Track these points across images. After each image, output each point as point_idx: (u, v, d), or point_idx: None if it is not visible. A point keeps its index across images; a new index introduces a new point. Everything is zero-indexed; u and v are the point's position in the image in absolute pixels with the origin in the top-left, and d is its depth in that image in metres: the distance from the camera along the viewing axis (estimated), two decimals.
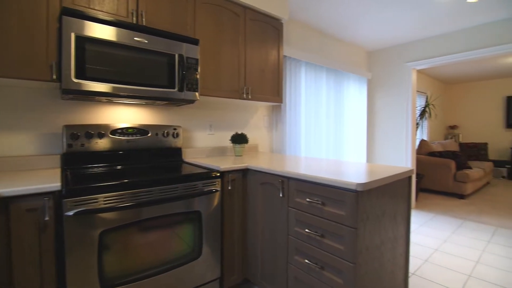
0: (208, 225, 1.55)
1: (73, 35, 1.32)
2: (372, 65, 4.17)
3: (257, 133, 2.71)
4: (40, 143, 1.57)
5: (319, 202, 1.25)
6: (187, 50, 1.71)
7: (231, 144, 2.44)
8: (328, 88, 3.38)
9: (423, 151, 4.80)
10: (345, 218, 1.14)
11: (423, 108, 4.23)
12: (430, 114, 4.22)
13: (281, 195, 1.46)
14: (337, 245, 1.18)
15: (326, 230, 1.22)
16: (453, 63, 3.45)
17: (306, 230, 1.31)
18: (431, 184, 4.53)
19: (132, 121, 1.91)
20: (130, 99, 1.65)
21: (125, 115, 1.88)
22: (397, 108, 3.87)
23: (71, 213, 1.10)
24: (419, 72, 5.66)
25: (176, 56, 1.67)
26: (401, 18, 2.92)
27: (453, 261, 2.21)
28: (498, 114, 6.40)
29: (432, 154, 4.64)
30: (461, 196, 4.25)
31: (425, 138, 6.15)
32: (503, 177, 5.97)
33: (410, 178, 1.51)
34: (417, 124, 4.25)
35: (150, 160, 1.87)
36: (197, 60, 1.76)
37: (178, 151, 2.00)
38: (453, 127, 6.95)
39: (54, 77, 1.34)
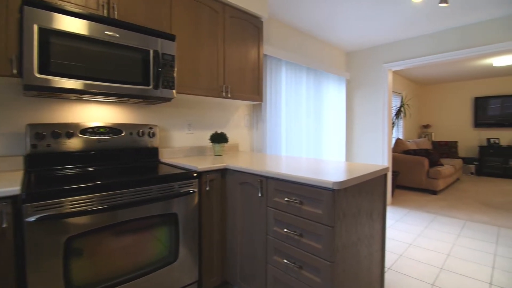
0: (185, 228, 1.50)
1: (35, 27, 1.22)
2: (351, 66, 4.27)
3: (237, 132, 2.68)
4: (0, 143, 1.45)
5: (297, 201, 1.25)
6: (162, 46, 1.65)
7: (211, 144, 2.39)
8: (308, 88, 3.41)
9: (399, 149, 4.99)
10: (322, 216, 1.14)
11: (398, 108, 4.38)
12: (405, 113, 4.39)
13: (259, 195, 1.45)
14: (315, 244, 1.18)
15: (304, 229, 1.22)
16: (426, 64, 3.59)
17: (285, 230, 1.30)
18: (406, 181, 4.72)
19: (105, 120, 1.82)
20: (101, 97, 1.57)
21: (96, 114, 1.78)
22: (374, 108, 3.98)
23: (32, 219, 1.02)
24: (395, 73, 5.87)
25: (151, 52, 1.60)
26: (378, 20, 3.00)
27: (426, 254, 2.30)
28: (467, 114, 6.78)
29: (407, 152, 4.83)
30: (434, 192, 4.46)
31: (400, 137, 6.39)
32: (472, 173, 6.33)
33: (385, 176, 1.55)
34: (393, 123, 4.40)
35: (124, 161, 1.79)
36: (173, 56, 1.70)
37: (154, 151, 1.93)
38: (426, 126, 7.28)
39: (15, 71, 1.24)
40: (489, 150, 6.06)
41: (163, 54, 1.65)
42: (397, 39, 3.71)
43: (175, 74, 1.71)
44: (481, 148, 6.18)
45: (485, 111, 6.39)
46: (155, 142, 1.93)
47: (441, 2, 2.06)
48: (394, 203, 3.95)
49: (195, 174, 1.55)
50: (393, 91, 5.93)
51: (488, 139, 6.23)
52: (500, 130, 6.27)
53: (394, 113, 4.43)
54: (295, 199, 1.26)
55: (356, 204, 1.27)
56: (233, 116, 2.64)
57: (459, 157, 6.44)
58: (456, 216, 3.33)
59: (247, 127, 2.77)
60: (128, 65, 1.52)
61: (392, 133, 4.16)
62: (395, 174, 4.24)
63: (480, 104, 6.44)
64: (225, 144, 2.38)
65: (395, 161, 4.82)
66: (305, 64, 3.27)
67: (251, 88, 2.34)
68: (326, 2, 2.58)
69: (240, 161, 1.82)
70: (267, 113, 2.82)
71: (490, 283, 1.86)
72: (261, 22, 2.40)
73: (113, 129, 1.75)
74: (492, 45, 2.98)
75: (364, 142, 4.11)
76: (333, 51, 3.95)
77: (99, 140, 1.69)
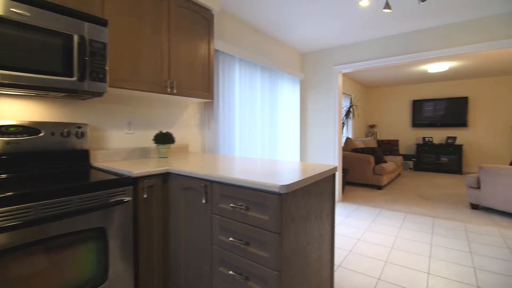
0: (116, 242, 1.30)
1: None
2: (305, 67, 4.35)
3: (187, 132, 2.50)
4: None
5: (243, 207, 1.15)
6: (91, 31, 1.42)
7: (155, 145, 2.18)
8: (263, 87, 3.36)
9: (348, 148, 5.26)
10: (269, 223, 1.06)
11: (348, 109, 4.60)
12: (353, 114, 4.62)
13: (204, 201, 1.32)
14: (262, 252, 1.09)
15: (251, 237, 1.13)
16: (373, 68, 3.81)
17: (231, 239, 1.20)
18: (355, 178, 4.99)
19: (18, 117, 1.51)
20: (9, 89, 1.28)
21: (8, 110, 1.47)
22: (326, 108, 4.11)
23: None
24: (345, 75, 6.19)
25: (75, 37, 1.36)
26: (329, 23, 3.07)
27: (373, 249, 2.40)
28: (406, 115, 7.46)
29: (355, 150, 5.11)
30: (379, 187, 4.78)
31: (350, 136, 6.77)
32: (410, 168, 6.99)
33: (334, 175, 1.54)
34: (343, 123, 4.61)
35: (45, 166, 1.51)
36: (105, 44, 1.47)
37: (83, 154, 1.67)
38: (372, 126, 7.85)
39: None
40: (425, 147, 6.76)
41: (91, 41, 1.42)
42: (347, 43, 3.87)
43: (107, 65, 1.48)
44: (418, 145, 6.86)
45: (421, 112, 7.10)
46: (84, 143, 1.67)
47: (385, 8, 2.15)
48: (345, 199, 4.13)
49: (129, 180, 1.35)
50: (344, 93, 6.25)
51: (424, 138, 6.94)
52: (433, 129, 7.03)
53: (344, 114, 4.65)
54: (241, 205, 1.16)
55: (306, 206, 1.22)
56: (183, 115, 2.46)
57: (400, 154, 7.05)
58: (398, 209, 3.60)
59: (198, 126, 2.60)
60: (45, 52, 1.27)
61: (342, 132, 4.34)
62: (345, 171, 4.45)
63: (417, 106, 7.15)
64: (171, 145, 2.19)
65: (345, 159, 5.06)
66: (260, 63, 3.21)
67: (201, 85, 2.19)
68: (278, 1, 2.55)
69: (187, 163, 1.67)
70: (220, 112, 2.69)
71: (428, 273, 2.00)
72: (212, 15, 2.26)
73: (28, 129, 1.46)
74: (429, 52, 3.27)
75: (317, 141, 4.22)
76: (288, 52, 3.97)
77: (8, 142, 1.39)
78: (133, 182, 1.38)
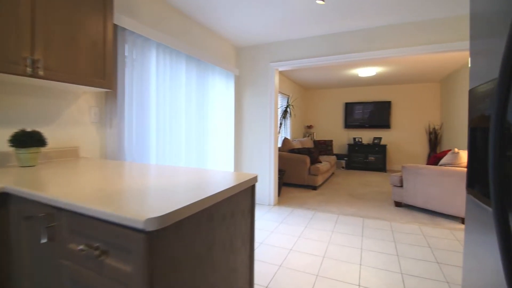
0: None
1: None
2: (240, 62, 4.04)
3: (78, 131, 1.92)
4: None
5: (98, 251, 0.73)
6: None
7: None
8: (189, 80, 2.92)
9: (286, 148, 5.16)
10: (131, 278, 0.67)
11: (285, 108, 4.47)
12: (290, 114, 4.51)
13: (45, 239, 0.85)
14: None
15: None
16: (308, 67, 3.71)
17: None
18: (292, 178, 4.91)
19: None
20: None
21: None
22: (262, 107, 3.88)
23: None
24: (283, 75, 6.12)
25: None
26: (264, 17, 2.80)
27: (304, 260, 2.20)
28: (339, 117, 7.84)
29: (292, 151, 5.04)
30: (314, 188, 4.79)
31: (288, 136, 6.77)
32: (343, 167, 7.35)
33: (253, 187, 1.22)
34: (280, 123, 4.46)
35: None
36: None
37: None
38: (309, 127, 8.05)
39: None
40: (355, 147, 7.17)
41: None
42: (283, 39, 3.69)
43: None
44: (349, 145, 7.24)
45: (352, 114, 7.53)
46: None
47: None
48: (281, 202, 3.97)
49: None
50: (282, 92, 6.18)
51: (354, 138, 7.37)
52: (362, 130, 7.53)
53: (281, 113, 4.51)
54: (96, 247, 0.74)
55: (205, 238, 0.86)
56: (70, 108, 1.87)
57: (333, 154, 7.35)
58: (331, 210, 3.56)
59: (95, 124, 2.03)
60: None
61: (279, 132, 4.17)
62: (281, 172, 4.30)
63: (349, 108, 7.56)
64: (41, 149, 1.59)
65: (282, 159, 4.94)
66: (186, 52, 2.76)
67: (91, 68, 1.65)
68: None
69: (49, 177, 1.15)
70: (126, 107, 2.16)
71: (359, 285, 1.86)
72: None
73: None
74: (357, 54, 3.28)
75: (252, 142, 3.96)
76: (222, 44, 3.60)
77: None
78: None
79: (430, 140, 6.66)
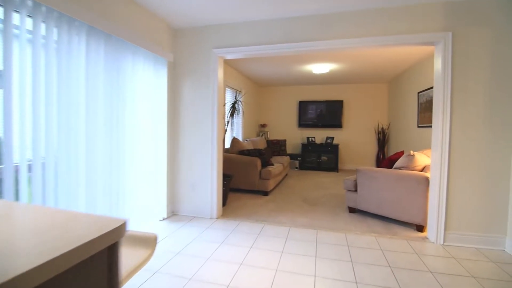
0: None
1: None
2: (178, 46, 3.35)
3: None
4: None
5: None
6: None
7: None
8: (93, 62, 2.16)
9: (235, 150, 4.62)
10: None
11: (232, 105, 3.92)
12: (239, 111, 3.98)
13: None
14: None
15: None
16: (256, 55, 3.19)
17: None
18: (242, 183, 4.39)
19: None
20: None
21: None
22: (204, 102, 3.26)
23: None
24: (234, 67, 5.56)
25: None
26: None
27: None
28: (293, 116, 7.58)
29: (242, 152, 4.52)
30: (265, 193, 4.33)
31: (240, 136, 6.24)
32: (296, 167, 7.09)
33: (115, 247, 0.63)
34: (228, 121, 3.90)
35: None
36: None
37: None
38: (263, 126, 7.64)
39: None
40: (308, 147, 6.95)
41: None
42: (229, 21, 3.11)
43: None
44: (303, 145, 7.01)
45: (306, 113, 7.32)
46: None
47: None
48: (226, 213, 3.41)
49: None
50: (232, 87, 5.61)
51: (308, 138, 7.16)
52: (315, 130, 7.37)
53: (229, 110, 3.94)
54: None
55: None
56: None
57: (287, 154, 7.05)
58: (282, 221, 3.12)
59: None
60: None
61: (226, 131, 3.60)
62: (228, 178, 3.74)
63: (302, 107, 7.33)
64: None
65: (230, 162, 4.39)
66: (87, 21, 2.01)
67: None
68: None
69: None
70: None
71: None
72: None
73: None
74: (310, 43, 2.86)
75: (192, 144, 3.32)
76: (152, 21, 2.88)
77: None
78: None
79: (378, 140, 6.75)
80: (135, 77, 2.64)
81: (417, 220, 2.83)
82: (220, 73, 3.29)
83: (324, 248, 2.43)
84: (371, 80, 6.61)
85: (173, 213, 3.37)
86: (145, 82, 2.78)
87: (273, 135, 7.73)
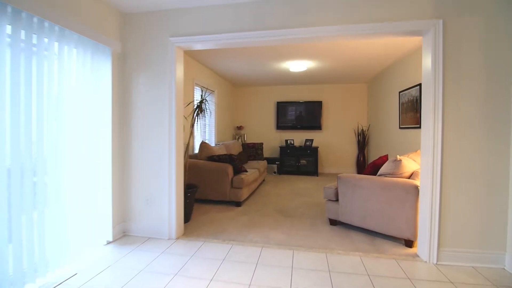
0: None
1: None
2: (127, 34, 2.82)
3: None
4: None
5: None
6: None
7: None
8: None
9: (204, 155, 4.11)
10: None
11: (197, 105, 3.42)
12: (206, 111, 3.49)
13: None
14: None
15: None
16: (222, 45, 2.73)
17: None
18: (211, 193, 3.89)
19: None
20: None
21: None
22: (160, 101, 2.74)
23: None
24: (207, 66, 5.06)
25: None
26: None
27: None
28: (271, 117, 7.19)
29: (211, 158, 4.02)
30: (238, 204, 3.86)
31: (213, 139, 5.74)
32: (275, 172, 6.68)
33: None
34: (193, 124, 3.40)
35: None
36: None
37: None
38: (240, 128, 7.17)
39: None
40: (287, 150, 6.57)
41: None
42: (188, 5, 2.63)
43: None
44: (281, 148, 6.62)
45: (285, 115, 6.95)
46: None
47: None
48: (188, 231, 2.90)
49: None
50: (204, 87, 5.11)
51: (286, 140, 6.78)
52: (294, 132, 7.02)
53: (195, 111, 3.45)
54: None
55: None
56: None
57: (264, 158, 6.63)
58: (253, 240, 2.66)
59: None
60: None
61: (193, 134, 3.10)
62: (193, 189, 3.23)
63: (281, 108, 6.96)
64: None
65: (198, 170, 3.88)
66: None
67: None
68: None
69: None
70: None
71: None
72: None
73: None
74: (282, 31, 2.45)
75: (147, 151, 2.79)
76: (95, 3, 2.34)
77: None
78: None
79: (358, 142, 6.50)
80: (66, 70, 2.08)
81: (406, 235, 2.48)
82: (179, 68, 2.80)
83: (301, 276, 2.00)
84: (350, 80, 6.36)
85: (124, 234, 2.81)
86: (77, 77, 2.22)
87: (251, 138, 7.28)
